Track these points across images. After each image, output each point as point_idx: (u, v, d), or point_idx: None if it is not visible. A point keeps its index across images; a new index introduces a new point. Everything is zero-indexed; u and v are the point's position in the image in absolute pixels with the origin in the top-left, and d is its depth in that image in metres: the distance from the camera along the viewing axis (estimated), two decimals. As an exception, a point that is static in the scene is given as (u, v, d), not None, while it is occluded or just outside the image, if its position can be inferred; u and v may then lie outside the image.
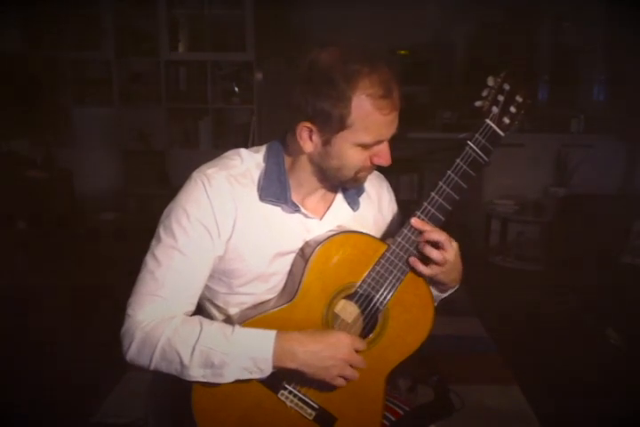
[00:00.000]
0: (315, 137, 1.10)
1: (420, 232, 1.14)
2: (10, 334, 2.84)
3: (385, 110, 1.06)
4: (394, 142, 1.14)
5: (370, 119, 1.06)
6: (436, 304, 1.28)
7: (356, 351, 1.11)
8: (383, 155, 1.12)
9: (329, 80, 1.05)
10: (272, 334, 1.07)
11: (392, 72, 1.08)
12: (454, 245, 1.16)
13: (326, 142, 1.10)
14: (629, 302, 3.07)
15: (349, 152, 1.10)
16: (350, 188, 1.23)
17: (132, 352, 1.08)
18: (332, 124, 1.07)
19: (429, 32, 5.12)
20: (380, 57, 1.08)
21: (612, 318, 3.04)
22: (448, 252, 1.14)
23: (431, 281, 1.20)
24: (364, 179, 1.19)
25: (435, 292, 1.25)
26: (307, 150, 1.13)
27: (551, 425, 2.27)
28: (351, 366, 1.10)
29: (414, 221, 1.13)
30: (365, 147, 1.10)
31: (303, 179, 1.18)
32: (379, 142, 1.10)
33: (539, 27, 4.83)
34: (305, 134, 1.11)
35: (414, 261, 1.15)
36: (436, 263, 1.15)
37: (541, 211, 4.24)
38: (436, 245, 1.14)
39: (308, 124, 1.09)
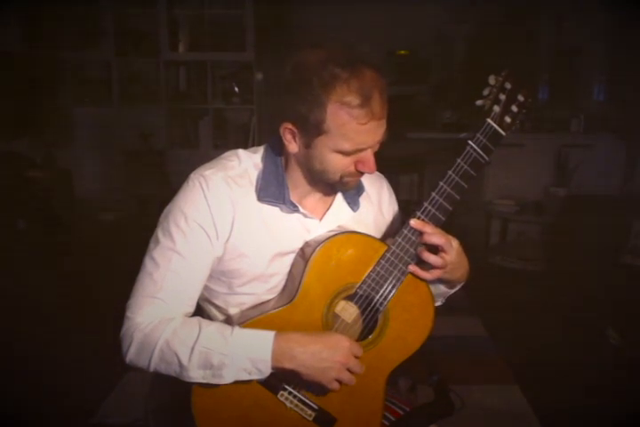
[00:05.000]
0: (297, 139, 1.10)
1: (420, 233, 1.13)
2: (9, 333, 2.83)
3: (362, 120, 1.02)
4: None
5: (346, 128, 1.03)
6: (444, 300, 1.29)
7: (354, 357, 1.09)
8: (367, 162, 1.09)
9: (307, 83, 1.02)
10: (271, 334, 1.06)
11: (378, 78, 1.04)
12: (455, 245, 1.15)
13: (307, 145, 1.09)
14: (629, 302, 3.07)
15: (329, 157, 1.08)
16: (342, 191, 1.21)
17: (132, 354, 1.08)
18: (309, 128, 1.05)
19: (429, 32, 5.12)
20: (366, 61, 1.04)
21: (612, 318, 3.04)
22: (449, 254, 1.13)
23: (437, 280, 1.19)
24: (353, 184, 1.15)
25: (443, 288, 1.24)
26: (291, 151, 1.12)
27: (551, 425, 2.27)
28: (348, 370, 1.08)
29: (413, 222, 1.12)
30: (346, 153, 1.07)
31: (297, 179, 1.17)
32: (360, 150, 1.08)
33: (539, 27, 4.82)
34: (288, 135, 1.10)
35: (415, 266, 1.14)
36: (437, 267, 1.14)
37: (541, 211, 4.24)
38: (435, 248, 1.14)
39: (290, 126, 1.08)
